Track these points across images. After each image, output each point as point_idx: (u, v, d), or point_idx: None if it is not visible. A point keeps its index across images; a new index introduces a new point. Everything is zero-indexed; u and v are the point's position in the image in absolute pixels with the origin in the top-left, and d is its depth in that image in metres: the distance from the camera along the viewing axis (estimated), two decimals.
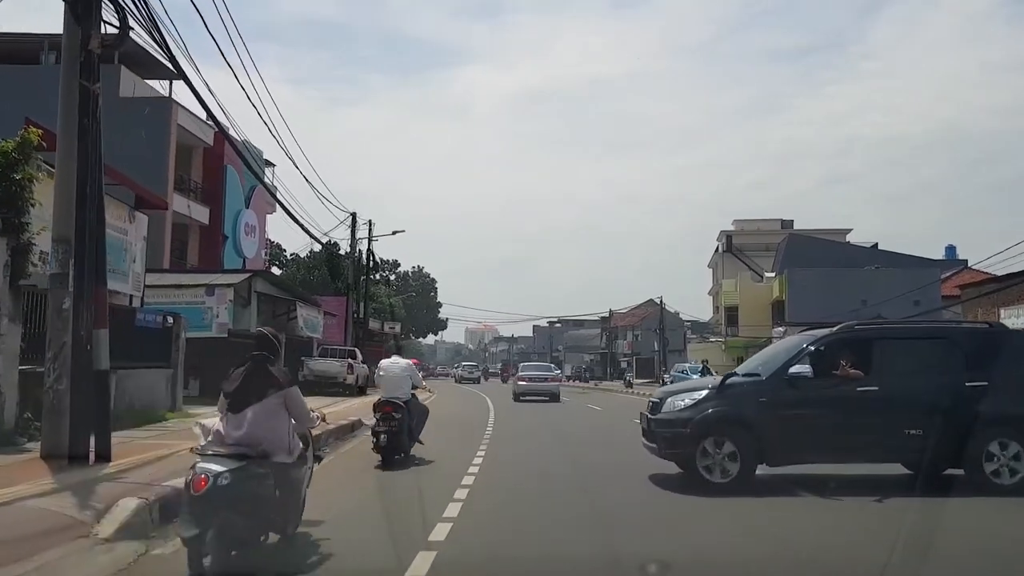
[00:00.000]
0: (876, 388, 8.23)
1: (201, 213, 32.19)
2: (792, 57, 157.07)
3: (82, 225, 7.70)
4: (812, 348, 8.68)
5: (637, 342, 70.95)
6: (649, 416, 8.83)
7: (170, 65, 9.29)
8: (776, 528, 6.56)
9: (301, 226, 27.57)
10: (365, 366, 29.28)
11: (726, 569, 5.27)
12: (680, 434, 8.26)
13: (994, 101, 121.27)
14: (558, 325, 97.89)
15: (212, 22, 15.23)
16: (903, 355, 8.61)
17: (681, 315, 64.52)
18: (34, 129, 8.84)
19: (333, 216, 34.57)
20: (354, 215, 31.21)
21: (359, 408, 19.35)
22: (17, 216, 8.76)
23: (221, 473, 4.49)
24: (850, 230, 65.99)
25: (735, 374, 9.02)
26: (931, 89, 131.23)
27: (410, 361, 11.24)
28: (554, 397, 28.46)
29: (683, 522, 6.74)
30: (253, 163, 29.97)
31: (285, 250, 55.23)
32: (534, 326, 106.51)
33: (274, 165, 39.15)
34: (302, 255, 51.87)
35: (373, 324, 43.00)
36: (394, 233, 33.42)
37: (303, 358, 25.52)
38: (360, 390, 27.60)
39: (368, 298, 46.84)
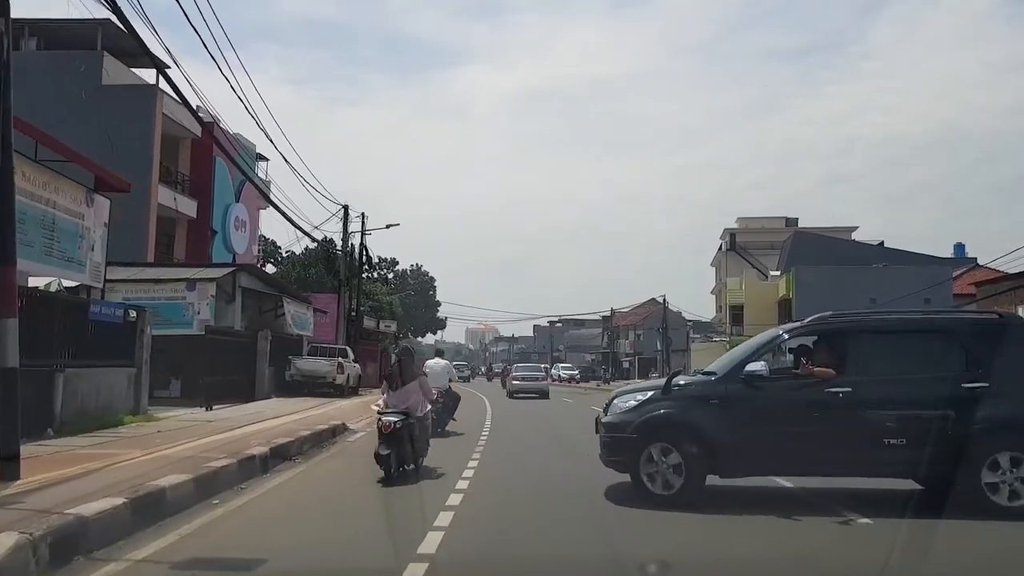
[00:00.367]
0: (849, 390, 6.98)
1: (188, 206, 31.05)
2: (792, 57, 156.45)
3: None
4: (778, 343, 7.70)
5: (639, 342, 69.94)
6: (599, 419, 7.85)
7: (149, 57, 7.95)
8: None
9: (289, 220, 26.26)
10: (357, 365, 28.07)
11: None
12: (622, 439, 7.31)
13: (994, 101, 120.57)
14: (559, 325, 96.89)
15: (195, 14, 14.29)
16: (886, 351, 7.27)
17: (684, 314, 63.38)
18: None
19: (327, 212, 33.70)
20: (346, 207, 29.93)
21: (348, 410, 18.14)
22: None
23: (395, 421, 8.32)
24: (856, 228, 65.16)
25: (681, 372, 8.25)
26: (931, 89, 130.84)
27: (448, 362, 15.54)
28: (543, 394, 31.29)
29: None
30: (240, 158, 28.96)
31: (280, 247, 54.08)
32: (534, 326, 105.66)
33: (267, 160, 38.06)
34: (297, 252, 50.67)
35: (369, 322, 41.74)
36: (388, 227, 32.15)
37: (290, 357, 24.27)
38: (352, 390, 26.38)
39: (364, 295, 45.72)
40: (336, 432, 12.87)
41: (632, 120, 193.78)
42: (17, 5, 6.80)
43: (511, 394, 31.73)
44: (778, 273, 53.13)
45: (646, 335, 66.57)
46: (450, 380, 14.14)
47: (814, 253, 48.23)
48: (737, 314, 52.89)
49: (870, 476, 7.33)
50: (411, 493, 7.23)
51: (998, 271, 36.64)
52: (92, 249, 12.33)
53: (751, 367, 7.22)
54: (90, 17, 23.54)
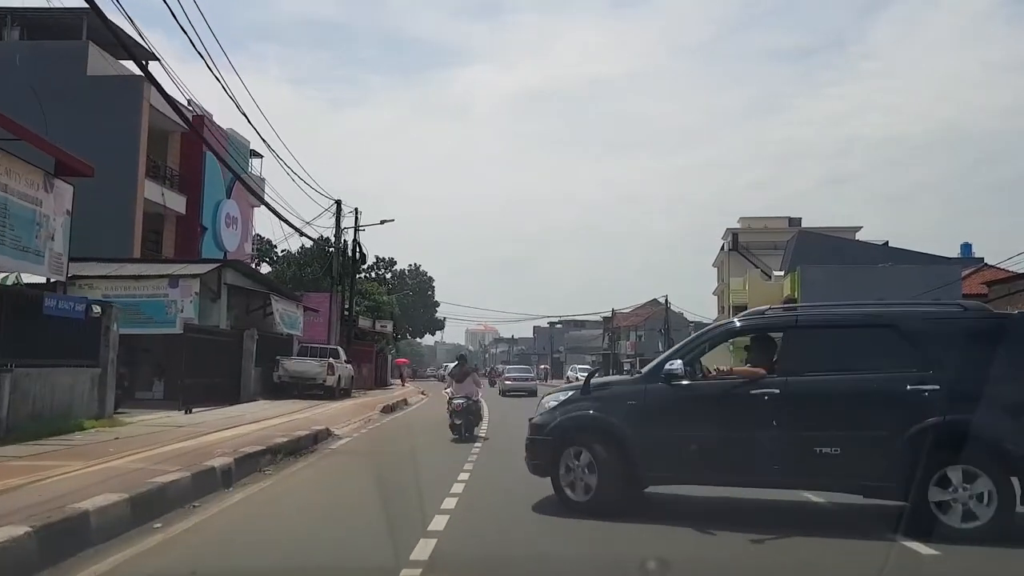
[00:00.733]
0: (776, 391, 6.19)
1: (177, 202, 30.08)
2: (792, 57, 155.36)
3: None
4: (707, 340, 7.02)
5: (640, 343, 69.03)
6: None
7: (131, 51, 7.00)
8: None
9: (278, 216, 25.29)
10: (350, 366, 27.04)
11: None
12: (540, 441, 6.93)
13: (994, 101, 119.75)
14: (559, 326, 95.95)
15: (193, 13, 13.79)
16: (824, 349, 6.43)
17: (686, 315, 62.45)
18: None
19: (321, 209, 32.68)
20: (339, 203, 28.90)
21: (336, 414, 17.15)
22: None
23: (462, 402, 13.24)
24: (860, 228, 64.28)
25: (599, 370, 7.55)
26: (931, 89, 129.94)
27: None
28: (531, 392, 32.21)
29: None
30: (232, 153, 28.01)
31: (275, 246, 53.11)
32: (534, 327, 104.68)
33: (261, 156, 37.09)
34: (288, 249, 49.68)
35: (364, 322, 40.74)
36: (382, 222, 31.01)
37: (278, 357, 23.22)
38: (344, 393, 25.34)
39: (360, 295, 44.69)
40: (318, 438, 11.86)
41: (632, 120, 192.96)
42: None
43: (503, 392, 34.71)
44: (782, 273, 52.32)
45: (647, 336, 65.69)
46: (478, 390, 14.45)
47: (818, 253, 47.31)
48: None
49: (803, 488, 6.59)
50: (383, 517, 6.20)
51: (1008, 271, 35.79)
52: (52, 239, 11.33)
53: (668, 366, 6.59)
54: (75, 7, 22.60)
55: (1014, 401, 5.80)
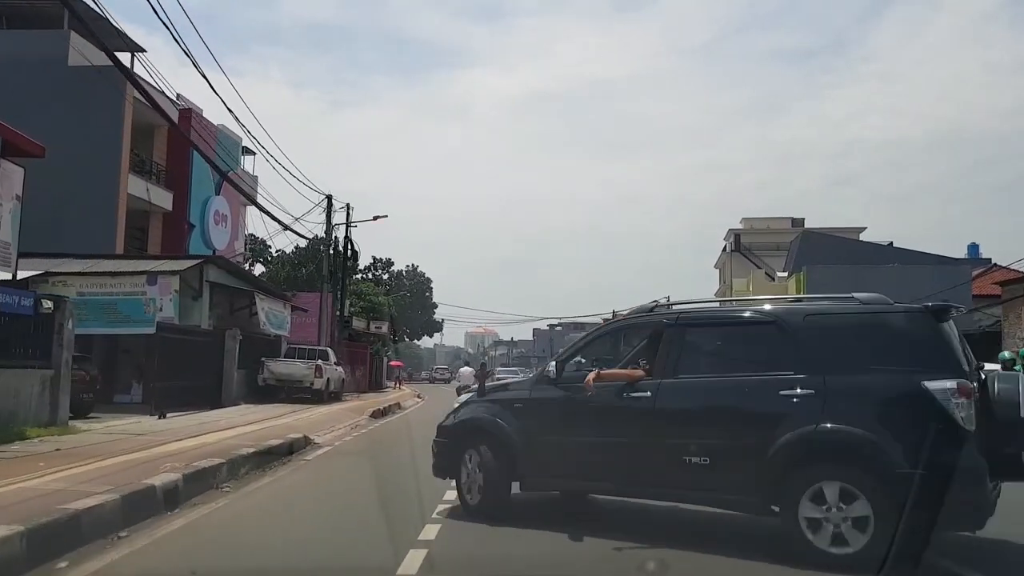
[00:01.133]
0: (648, 395, 5.78)
1: (163, 198, 29.02)
2: (794, 59, 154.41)
3: None
4: (593, 338, 6.91)
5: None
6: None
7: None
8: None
9: (265, 212, 24.25)
10: (340, 369, 25.89)
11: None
12: (441, 443, 6.93)
13: (996, 103, 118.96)
14: (559, 328, 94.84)
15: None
16: (703, 349, 5.97)
17: None
18: None
19: (312, 205, 31.37)
20: (329, 197, 27.75)
21: (319, 420, 16.04)
22: None
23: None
24: (864, 228, 63.43)
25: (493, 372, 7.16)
26: (933, 91, 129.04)
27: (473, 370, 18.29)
28: None
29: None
30: (210, 149, 26.93)
31: (270, 246, 52.02)
32: (534, 329, 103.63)
33: (254, 154, 35.99)
34: (277, 246, 48.62)
35: (358, 323, 39.61)
36: (375, 218, 29.85)
37: (262, 359, 22.08)
38: (333, 396, 24.20)
39: (355, 295, 43.54)
40: (294, 448, 10.76)
41: (633, 121, 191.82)
42: None
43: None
44: (786, 274, 51.43)
45: None
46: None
47: (823, 253, 46.34)
48: None
49: (680, 501, 5.98)
50: (351, 553, 5.10)
51: (1019, 272, 34.87)
52: None
53: (547, 367, 6.53)
54: None
55: (902, 408, 5.00)
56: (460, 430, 6.77)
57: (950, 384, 4.77)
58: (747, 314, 6.07)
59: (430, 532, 5.70)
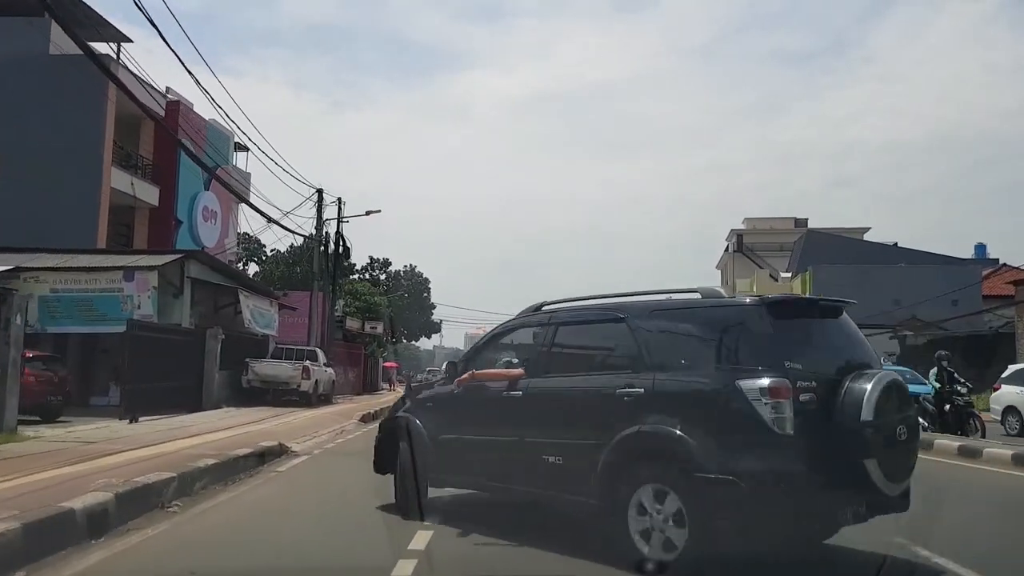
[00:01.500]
0: (519, 393, 5.84)
1: (149, 192, 28.09)
2: (794, 60, 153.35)
3: None
4: (489, 338, 6.84)
5: None
6: None
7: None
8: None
9: (253, 207, 23.27)
10: (330, 370, 24.83)
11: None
12: (379, 440, 7.15)
13: (996, 104, 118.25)
14: None
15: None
16: (568, 347, 5.97)
17: None
18: None
19: (309, 207, 30.20)
20: (320, 191, 26.69)
21: (301, 425, 15.03)
22: None
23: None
24: (868, 228, 62.66)
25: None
26: (933, 92, 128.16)
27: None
28: None
29: None
30: (197, 144, 25.93)
31: (264, 245, 50.97)
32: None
33: (247, 150, 34.97)
34: (282, 249, 47.54)
35: (353, 323, 38.58)
36: (367, 213, 28.76)
37: (247, 360, 21.02)
38: (323, 399, 23.15)
39: (350, 295, 42.51)
40: (266, 457, 9.72)
41: (633, 122, 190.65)
42: None
43: None
44: (789, 275, 50.57)
45: None
46: None
47: (827, 253, 45.43)
48: None
49: (542, 501, 5.76)
50: None
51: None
52: None
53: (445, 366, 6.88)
54: None
55: (718, 407, 4.69)
56: (391, 427, 6.95)
57: (762, 383, 4.44)
58: (601, 312, 5.83)
59: (405, 568, 4.68)
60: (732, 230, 65.39)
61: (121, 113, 25.78)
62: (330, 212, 28.23)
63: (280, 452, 10.45)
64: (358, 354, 36.96)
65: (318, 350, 24.19)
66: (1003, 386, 17.25)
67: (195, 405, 17.72)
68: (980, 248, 55.32)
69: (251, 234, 42.31)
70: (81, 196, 24.73)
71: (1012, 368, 18.13)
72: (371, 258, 67.57)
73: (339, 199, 27.26)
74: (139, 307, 18.29)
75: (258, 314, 21.91)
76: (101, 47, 28.02)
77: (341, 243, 27.32)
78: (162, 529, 5.82)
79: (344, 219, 27.05)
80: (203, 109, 28.77)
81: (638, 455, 4.90)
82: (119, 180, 26.22)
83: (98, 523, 5.43)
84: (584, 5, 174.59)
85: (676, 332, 5.16)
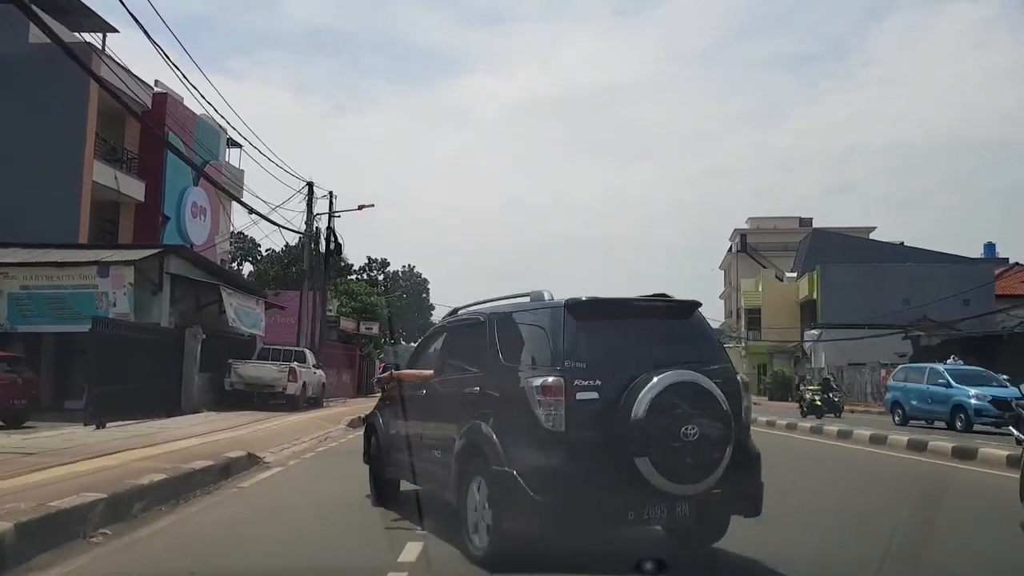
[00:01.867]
0: (423, 392, 6.41)
1: (134, 187, 26.99)
2: (794, 64, 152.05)
3: None
4: (424, 339, 7.34)
5: None
6: None
7: None
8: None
9: (240, 202, 22.22)
10: (320, 372, 23.74)
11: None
12: (364, 434, 7.89)
13: (997, 107, 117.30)
14: None
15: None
16: (454, 349, 6.29)
17: None
18: None
19: (293, 191, 29.28)
20: (311, 184, 25.62)
21: (280, 432, 13.99)
22: None
23: None
24: (874, 228, 61.66)
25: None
26: (934, 96, 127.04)
27: None
28: None
29: None
30: (181, 144, 24.90)
31: (259, 245, 50.00)
32: None
33: (240, 146, 33.90)
34: (278, 249, 46.57)
35: (348, 324, 37.54)
36: (360, 208, 27.64)
37: (230, 361, 19.94)
38: (312, 402, 22.07)
39: (346, 294, 41.49)
40: (230, 470, 8.66)
41: (633, 127, 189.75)
42: None
43: None
44: (794, 275, 49.62)
45: None
46: None
47: (833, 253, 44.44)
48: (754, 317, 48.95)
49: (437, 493, 5.99)
50: None
51: None
52: None
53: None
54: None
55: (513, 405, 4.88)
56: (368, 421, 7.73)
57: (538, 382, 4.67)
58: (472, 316, 6.16)
59: None
60: (736, 230, 64.55)
61: (106, 105, 24.73)
62: (322, 207, 27.24)
63: (248, 464, 9.40)
64: (353, 355, 35.90)
65: (307, 351, 23.11)
66: None
67: (172, 409, 16.68)
68: (990, 247, 54.26)
69: (245, 233, 41.43)
70: (61, 190, 23.68)
71: None
72: (369, 258, 66.68)
73: (330, 192, 26.22)
74: (115, 304, 17.26)
75: (243, 313, 20.83)
76: (86, 37, 27.15)
77: (333, 239, 26.18)
78: (71, 568, 4.74)
79: (335, 214, 25.99)
80: (195, 104, 27.84)
81: (469, 451, 5.17)
82: (102, 174, 25.16)
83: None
84: (584, 10, 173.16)
85: (507, 335, 5.34)
